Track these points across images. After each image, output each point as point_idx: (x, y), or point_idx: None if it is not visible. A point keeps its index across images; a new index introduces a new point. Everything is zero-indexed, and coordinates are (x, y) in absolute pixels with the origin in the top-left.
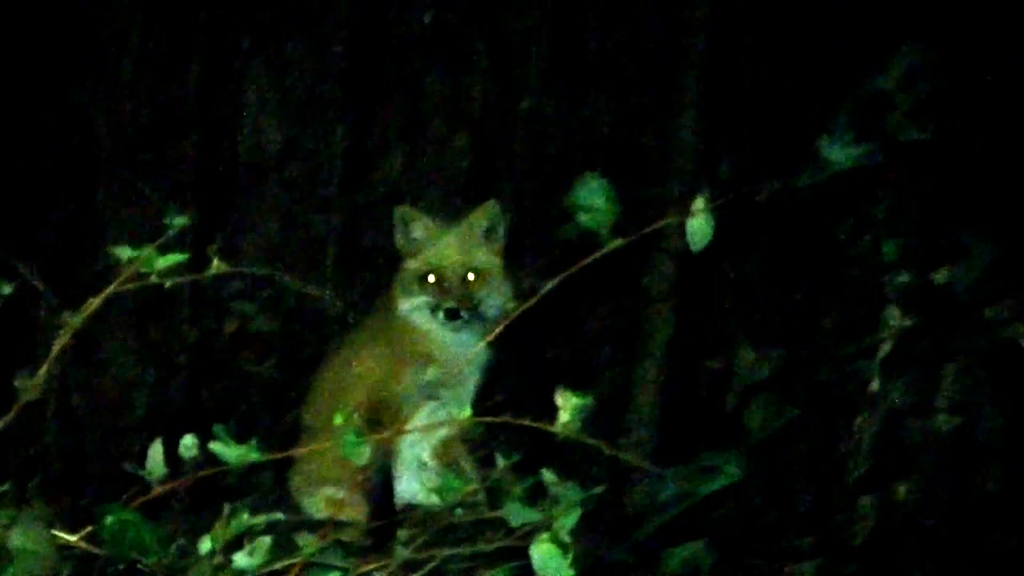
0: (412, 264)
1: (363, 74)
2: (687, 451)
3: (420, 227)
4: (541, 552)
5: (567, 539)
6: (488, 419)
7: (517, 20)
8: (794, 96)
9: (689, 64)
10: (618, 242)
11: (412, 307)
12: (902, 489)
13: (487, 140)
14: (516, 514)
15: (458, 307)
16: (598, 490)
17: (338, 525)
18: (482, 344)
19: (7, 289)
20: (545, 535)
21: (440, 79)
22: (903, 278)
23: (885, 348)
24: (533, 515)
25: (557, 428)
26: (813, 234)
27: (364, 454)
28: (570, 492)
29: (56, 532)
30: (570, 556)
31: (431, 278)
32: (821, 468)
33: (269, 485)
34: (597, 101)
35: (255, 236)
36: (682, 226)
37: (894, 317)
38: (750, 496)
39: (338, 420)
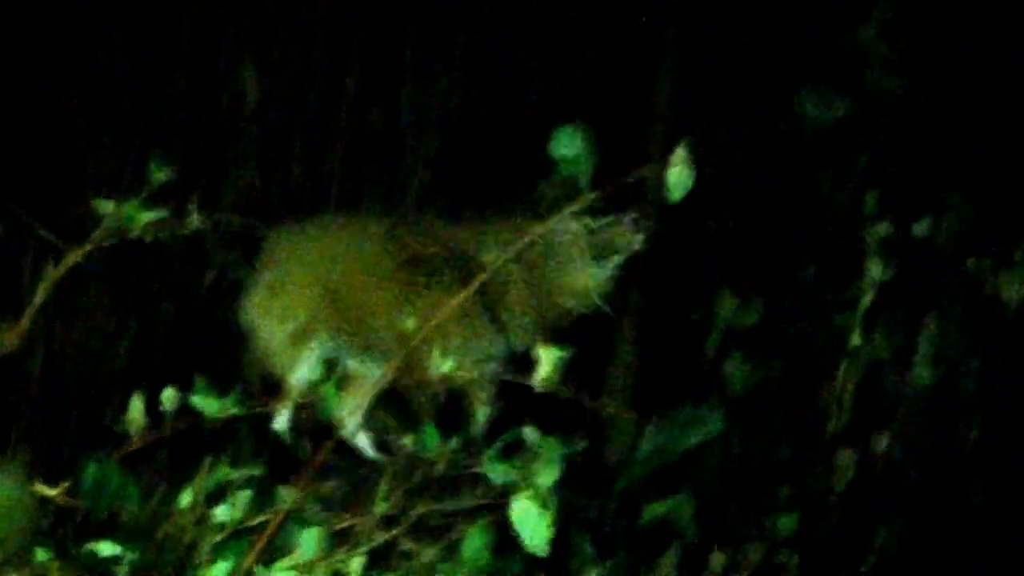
0: None
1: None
2: (667, 403)
3: None
4: (520, 509)
5: (547, 495)
6: (467, 374)
7: None
8: (774, 47)
9: (668, 16)
10: (595, 194)
11: None
12: (881, 441)
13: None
14: (495, 471)
15: None
16: (580, 445)
17: (319, 476)
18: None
19: None
20: (524, 491)
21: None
22: (883, 229)
23: (866, 300)
24: (512, 472)
25: (536, 381)
26: (794, 186)
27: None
28: (550, 447)
29: (36, 484)
30: (549, 512)
31: None
32: (801, 420)
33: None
34: (575, 53)
35: (234, 186)
36: (661, 176)
37: (875, 269)
38: (730, 448)
39: None
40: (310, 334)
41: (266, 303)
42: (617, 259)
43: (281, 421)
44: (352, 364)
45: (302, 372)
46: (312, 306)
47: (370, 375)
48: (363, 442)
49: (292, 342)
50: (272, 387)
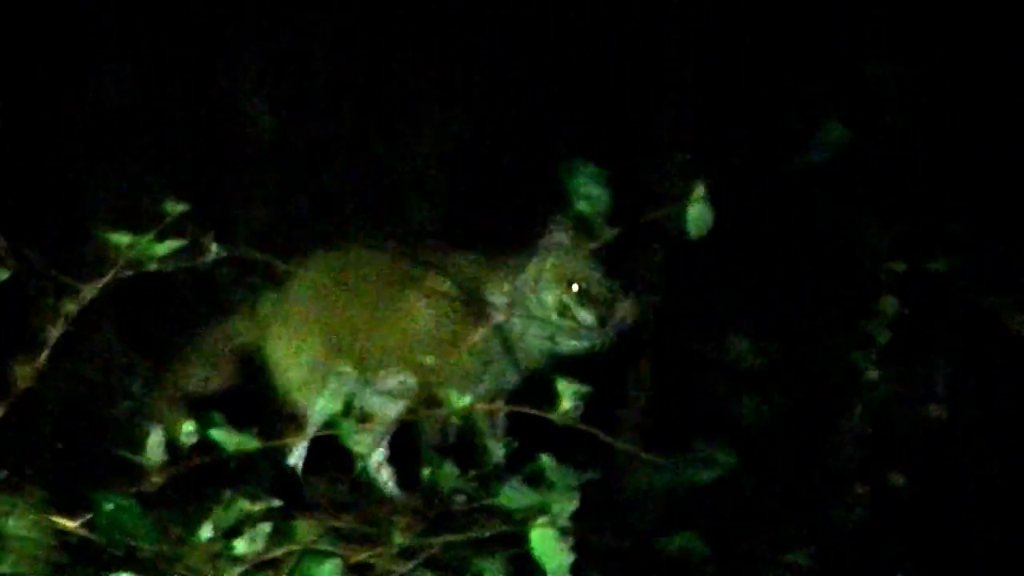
0: None
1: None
2: (679, 439)
3: None
4: (540, 537)
5: (567, 523)
6: (486, 407)
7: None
8: (785, 83)
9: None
10: (613, 232)
11: None
12: (896, 477)
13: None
14: (514, 498)
15: None
16: (595, 475)
17: (336, 510)
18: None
19: (3, 275)
20: (543, 520)
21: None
22: (898, 267)
23: (881, 337)
24: (531, 499)
25: (557, 415)
26: (807, 222)
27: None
28: (568, 477)
29: (53, 519)
30: (570, 541)
31: None
32: (815, 456)
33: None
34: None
35: (247, 222)
36: (674, 214)
37: (889, 306)
38: (743, 485)
39: None
40: (329, 368)
41: (286, 337)
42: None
43: (295, 457)
44: (372, 399)
45: (321, 406)
46: (331, 340)
47: (389, 409)
48: (385, 476)
49: (311, 376)
50: (291, 420)
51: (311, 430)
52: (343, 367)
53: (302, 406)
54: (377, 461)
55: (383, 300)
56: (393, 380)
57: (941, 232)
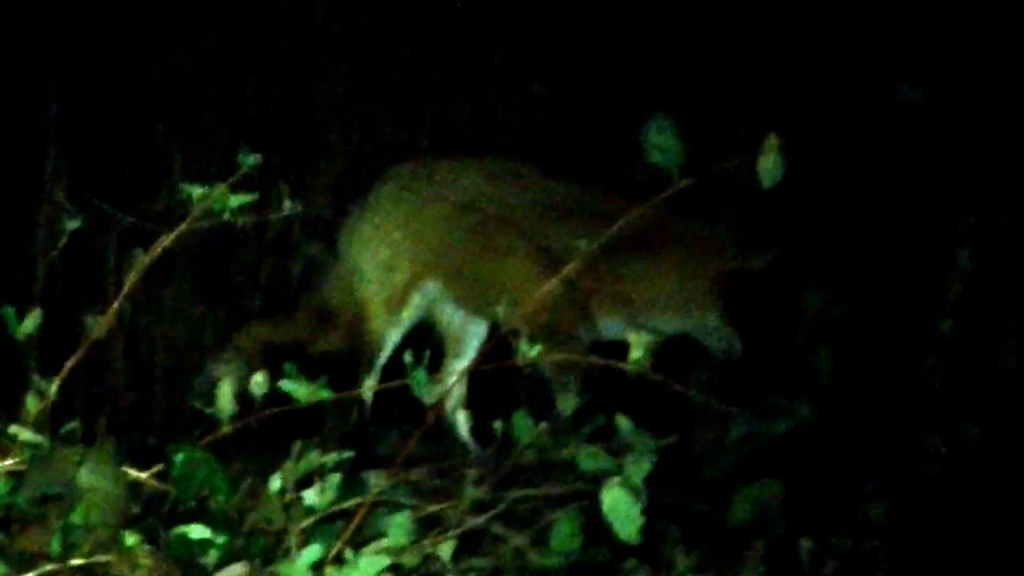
0: None
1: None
2: (756, 393)
3: None
4: (612, 498)
5: (639, 485)
6: (559, 357)
7: None
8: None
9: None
10: (688, 181)
11: None
12: (971, 431)
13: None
14: (588, 460)
15: None
16: (671, 439)
17: (407, 463)
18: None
19: (74, 224)
20: (616, 480)
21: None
22: (972, 220)
23: (955, 290)
24: (605, 462)
25: (629, 365)
26: (882, 174)
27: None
28: (643, 440)
29: (125, 470)
30: (640, 502)
31: None
32: (890, 409)
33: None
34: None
35: (321, 177)
36: (751, 165)
37: (963, 258)
38: (819, 437)
39: None
40: (416, 283)
41: (372, 244)
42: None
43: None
44: (454, 316)
45: (406, 320)
46: (421, 255)
47: (470, 333)
48: (461, 424)
49: (397, 292)
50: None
51: (383, 358)
52: (430, 281)
53: (380, 328)
54: (451, 409)
55: (480, 220)
56: (480, 302)
57: (1014, 186)
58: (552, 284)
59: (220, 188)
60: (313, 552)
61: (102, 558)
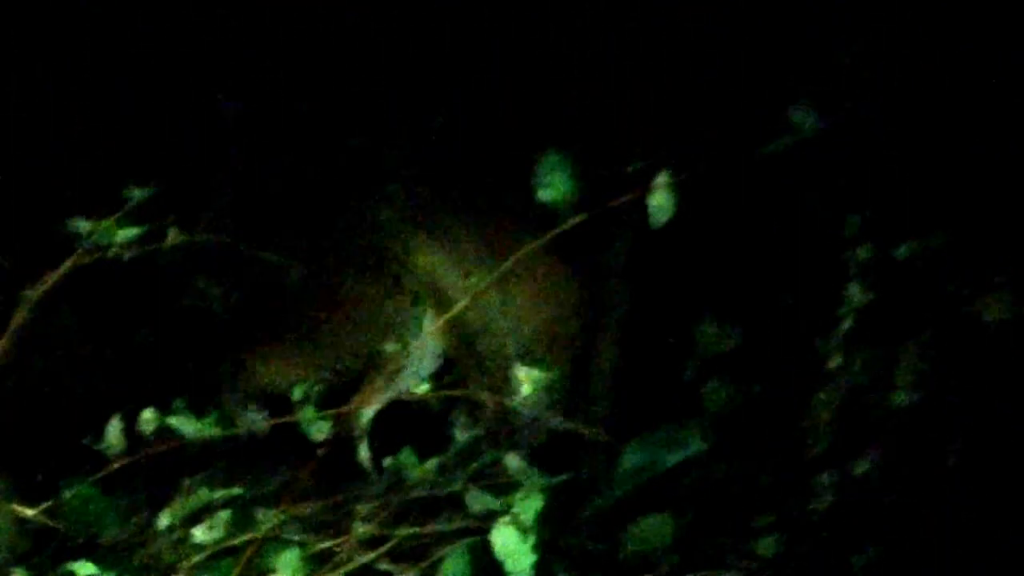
0: None
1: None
2: (645, 426)
3: None
4: (502, 537)
5: (531, 523)
6: (445, 392)
7: None
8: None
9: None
10: (578, 217)
11: None
12: (861, 465)
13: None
14: (476, 499)
15: None
16: (563, 477)
17: (297, 499)
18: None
19: None
20: (506, 519)
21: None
22: (865, 253)
23: (846, 324)
24: (493, 501)
25: (517, 402)
26: (774, 209)
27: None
28: (533, 478)
29: (14, 506)
30: (532, 540)
31: None
32: (781, 444)
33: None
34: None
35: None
36: (642, 201)
37: (856, 292)
38: (710, 470)
39: None
40: None
41: None
42: None
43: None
44: None
45: None
46: None
47: None
48: (364, 455)
49: None
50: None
51: None
52: None
53: None
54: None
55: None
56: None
57: (910, 218)
58: (440, 323)
59: (108, 222)
60: None
61: None
